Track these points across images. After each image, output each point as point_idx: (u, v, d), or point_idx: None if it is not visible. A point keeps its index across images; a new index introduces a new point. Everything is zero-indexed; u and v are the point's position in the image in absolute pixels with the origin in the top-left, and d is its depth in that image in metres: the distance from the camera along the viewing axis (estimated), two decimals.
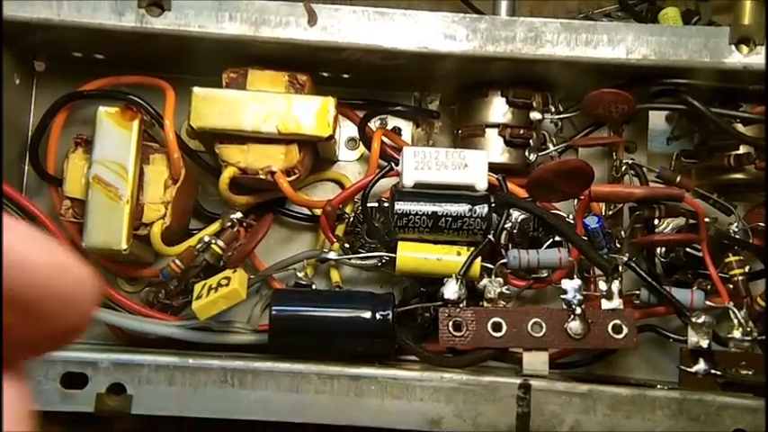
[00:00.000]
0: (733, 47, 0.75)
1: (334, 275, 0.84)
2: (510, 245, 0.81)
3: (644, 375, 0.85)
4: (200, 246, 0.78)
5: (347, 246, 0.82)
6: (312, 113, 0.76)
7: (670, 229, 0.83)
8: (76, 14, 0.74)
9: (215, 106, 0.76)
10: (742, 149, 0.82)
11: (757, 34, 0.74)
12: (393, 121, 0.90)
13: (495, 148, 0.84)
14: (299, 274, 0.81)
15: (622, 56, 0.75)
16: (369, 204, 0.80)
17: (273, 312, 0.72)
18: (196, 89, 0.76)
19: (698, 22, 0.92)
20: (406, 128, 0.91)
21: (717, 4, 1.25)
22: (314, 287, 0.81)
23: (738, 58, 0.75)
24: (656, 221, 0.82)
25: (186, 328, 0.77)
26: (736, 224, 0.82)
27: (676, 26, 0.75)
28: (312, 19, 0.75)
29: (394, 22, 0.76)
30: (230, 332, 0.77)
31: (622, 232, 0.82)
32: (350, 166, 0.90)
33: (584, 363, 0.83)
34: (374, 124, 0.88)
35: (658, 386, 0.76)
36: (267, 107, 0.76)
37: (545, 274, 0.82)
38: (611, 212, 0.85)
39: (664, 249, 0.84)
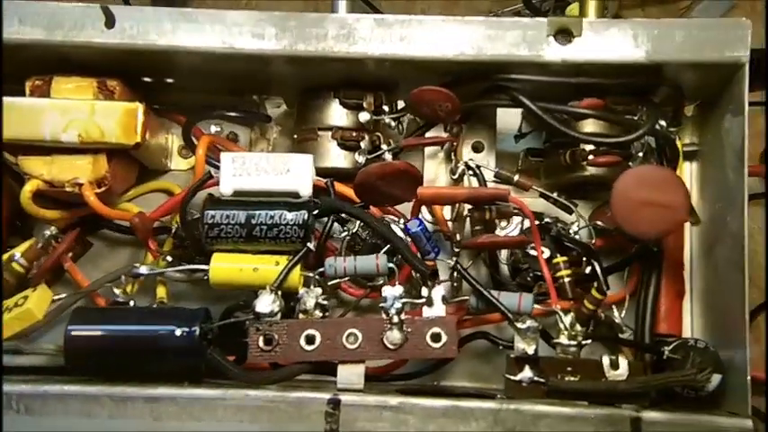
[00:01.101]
0: (552, 39, 0.71)
1: (160, 291, 0.80)
2: (344, 252, 0.78)
3: (489, 384, 0.81)
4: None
5: (170, 259, 0.77)
6: (116, 120, 0.72)
7: (518, 231, 0.80)
8: None
9: (11, 116, 0.72)
10: (586, 147, 0.78)
11: (575, 26, 0.71)
12: (231, 127, 0.87)
13: (329, 152, 0.81)
14: (117, 291, 0.76)
15: (437, 52, 0.72)
16: (195, 216, 0.76)
17: (68, 332, 0.68)
18: None
19: (604, 17, 0.90)
20: (244, 134, 0.87)
21: (625, 2, 1.22)
22: (132, 304, 0.77)
23: (557, 50, 0.71)
24: (503, 223, 0.79)
25: None
26: (576, 223, 0.79)
27: (493, 19, 0.71)
28: (109, 21, 0.71)
29: (198, 23, 0.72)
30: (36, 354, 0.73)
31: (458, 236, 0.79)
32: (184, 175, 0.86)
33: (425, 372, 0.79)
34: (211, 130, 0.84)
35: (498, 396, 0.72)
36: (68, 115, 0.72)
37: (381, 282, 0.78)
38: (454, 215, 0.82)
39: (508, 252, 0.81)
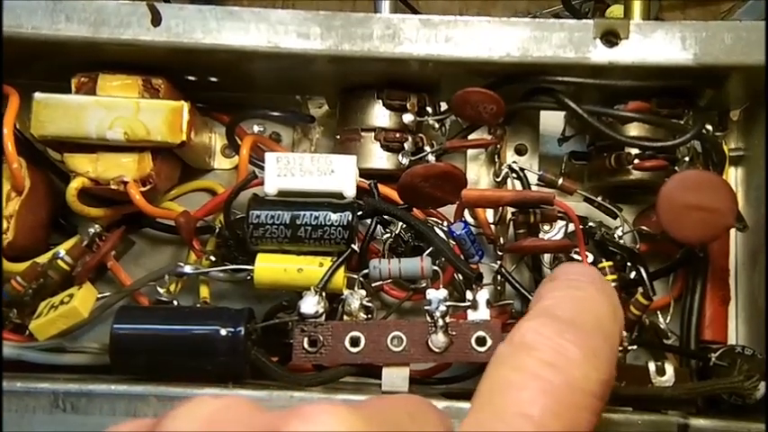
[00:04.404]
0: (598, 41, 0.71)
1: (203, 291, 0.80)
2: (386, 254, 0.78)
3: None
4: (46, 262, 0.73)
5: (213, 259, 0.78)
6: (162, 119, 0.72)
7: (562, 235, 0.79)
8: None
9: (57, 113, 0.71)
10: (631, 151, 0.78)
11: (622, 28, 0.70)
12: (273, 127, 0.86)
13: (372, 153, 0.80)
14: (161, 290, 0.77)
15: (483, 53, 0.71)
16: (239, 216, 0.76)
17: (113, 330, 0.68)
18: (37, 95, 0.72)
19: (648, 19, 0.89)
20: (287, 134, 0.87)
21: (666, 3, 1.20)
22: (175, 303, 0.77)
23: (603, 52, 0.71)
24: (547, 227, 0.78)
25: (37, 350, 0.72)
26: (620, 228, 0.78)
27: (539, 20, 0.71)
28: (155, 18, 0.71)
29: (243, 21, 0.72)
30: (81, 352, 0.73)
31: (501, 239, 0.78)
32: (227, 174, 0.86)
33: (468, 376, 0.78)
34: (254, 130, 0.84)
35: None
36: (114, 113, 0.72)
37: (423, 285, 0.78)
38: (498, 219, 0.81)
39: (551, 256, 0.80)
